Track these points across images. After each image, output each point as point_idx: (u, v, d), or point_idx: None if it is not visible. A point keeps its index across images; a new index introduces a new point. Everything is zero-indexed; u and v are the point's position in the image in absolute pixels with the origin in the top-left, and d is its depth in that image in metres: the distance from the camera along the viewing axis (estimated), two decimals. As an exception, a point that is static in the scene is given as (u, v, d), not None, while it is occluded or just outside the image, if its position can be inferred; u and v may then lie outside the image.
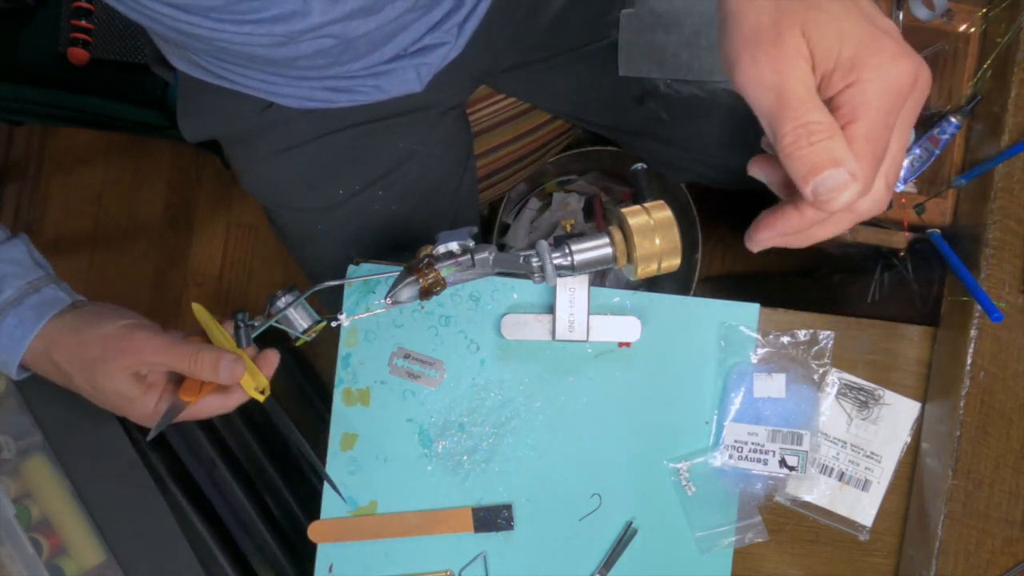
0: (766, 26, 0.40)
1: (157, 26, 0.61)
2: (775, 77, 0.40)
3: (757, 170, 0.47)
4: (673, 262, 0.55)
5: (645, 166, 0.63)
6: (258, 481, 1.02)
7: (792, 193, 0.45)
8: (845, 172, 0.39)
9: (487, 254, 0.56)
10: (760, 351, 0.70)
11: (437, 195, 0.85)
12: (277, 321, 0.62)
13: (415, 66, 0.72)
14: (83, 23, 1.11)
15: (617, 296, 0.70)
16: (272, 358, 0.65)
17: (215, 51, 0.69)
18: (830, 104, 0.41)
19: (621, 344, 0.70)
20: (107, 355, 0.58)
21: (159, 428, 0.61)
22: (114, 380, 0.59)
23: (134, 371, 0.59)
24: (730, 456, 0.70)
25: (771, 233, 0.45)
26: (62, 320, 0.60)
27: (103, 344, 0.58)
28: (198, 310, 0.63)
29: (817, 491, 0.71)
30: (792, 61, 0.40)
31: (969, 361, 0.66)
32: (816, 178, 0.39)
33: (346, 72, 0.71)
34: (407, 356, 0.71)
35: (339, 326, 0.67)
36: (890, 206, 0.70)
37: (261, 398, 0.64)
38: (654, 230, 0.55)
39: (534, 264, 0.57)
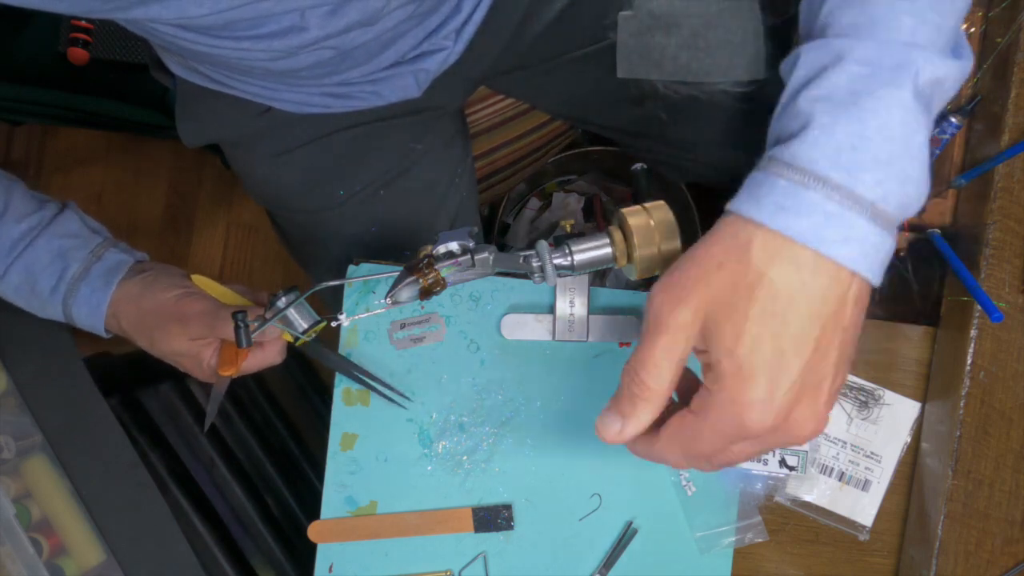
0: (687, 286, 0.42)
1: (155, 40, 0.61)
2: (657, 323, 0.42)
3: None
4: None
5: (645, 166, 0.63)
6: (258, 481, 1.02)
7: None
8: (617, 430, 0.43)
9: (487, 254, 0.56)
10: (760, 351, 0.70)
11: (437, 195, 0.85)
12: (277, 321, 0.62)
13: (413, 72, 0.72)
14: (83, 23, 1.11)
15: (617, 296, 0.70)
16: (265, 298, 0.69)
17: (213, 61, 0.69)
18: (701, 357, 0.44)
19: (621, 344, 0.70)
20: (161, 322, 0.65)
21: (212, 414, 0.68)
22: (171, 343, 0.65)
23: (186, 336, 0.65)
24: (730, 456, 0.70)
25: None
26: (124, 288, 0.66)
27: (158, 313, 0.65)
28: (198, 280, 0.67)
29: (817, 491, 0.71)
30: (675, 330, 0.42)
31: (969, 361, 0.66)
32: (610, 415, 0.44)
33: (344, 79, 0.71)
34: (403, 326, 0.70)
35: (339, 326, 0.68)
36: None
37: (302, 339, 0.66)
38: (654, 230, 0.55)
39: (534, 264, 0.57)
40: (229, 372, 0.65)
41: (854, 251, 0.40)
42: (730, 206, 0.43)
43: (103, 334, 0.68)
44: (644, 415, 0.43)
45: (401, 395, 0.70)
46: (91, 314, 0.66)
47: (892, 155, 0.41)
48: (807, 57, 0.44)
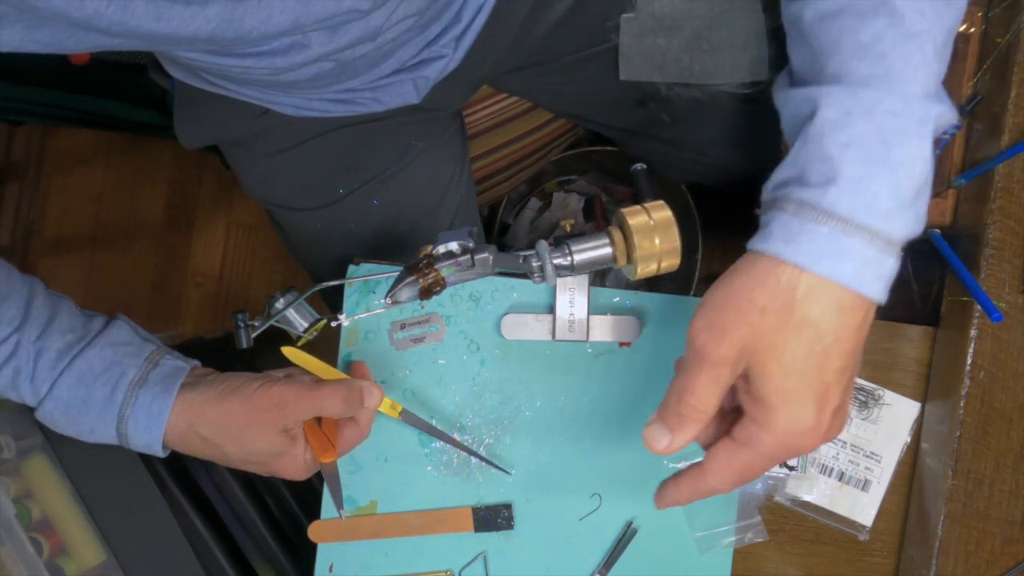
0: (727, 326, 0.46)
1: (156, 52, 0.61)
2: (701, 357, 0.46)
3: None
4: (673, 262, 0.55)
5: (645, 166, 0.63)
6: (258, 481, 1.02)
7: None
8: (667, 442, 0.49)
9: (487, 254, 0.56)
10: (760, 351, 0.70)
11: (435, 193, 0.85)
12: (277, 321, 0.62)
13: (413, 79, 0.72)
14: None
15: (617, 296, 0.70)
16: (364, 368, 0.67)
17: (213, 72, 0.69)
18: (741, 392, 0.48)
19: (621, 344, 0.70)
20: (255, 417, 0.60)
21: (339, 498, 0.65)
22: (266, 439, 0.61)
23: (282, 426, 0.61)
24: (730, 456, 0.70)
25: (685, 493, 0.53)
26: (198, 393, 0.61)
27: (249, 407, 0.60)
28: (290, 352, 0.63)
29: (817, 491, 0.71)
30: (719, 364, 0.46)
31: (969, 361, 0.66)
32: (659, 428, 0.49)
33: (344, 88, 0.71)
34: (403, 327, 0.70)
35: (339, 326, 0.68)
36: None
37: (398, 410, 0.67)
38: (654, 230, 0.55)
39: (534, 264, 0.57)
40: (331, 457, 0.62)
41: (882, 286, 0.46)
42: (763, 248, 0.46)
43: (159, 452, 0.62)
44: (691, 431, 0.49)
45: (501, 469, 0.70)
46: (150, 425, 0.60)
47: (916, 198, 0.45)
48: (830, 101, 0.46)
